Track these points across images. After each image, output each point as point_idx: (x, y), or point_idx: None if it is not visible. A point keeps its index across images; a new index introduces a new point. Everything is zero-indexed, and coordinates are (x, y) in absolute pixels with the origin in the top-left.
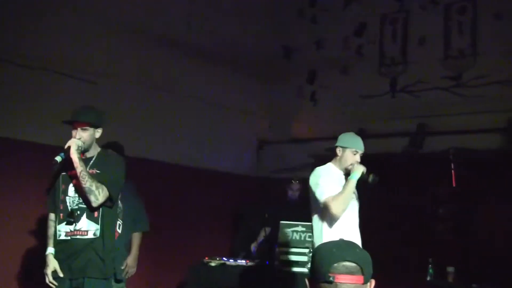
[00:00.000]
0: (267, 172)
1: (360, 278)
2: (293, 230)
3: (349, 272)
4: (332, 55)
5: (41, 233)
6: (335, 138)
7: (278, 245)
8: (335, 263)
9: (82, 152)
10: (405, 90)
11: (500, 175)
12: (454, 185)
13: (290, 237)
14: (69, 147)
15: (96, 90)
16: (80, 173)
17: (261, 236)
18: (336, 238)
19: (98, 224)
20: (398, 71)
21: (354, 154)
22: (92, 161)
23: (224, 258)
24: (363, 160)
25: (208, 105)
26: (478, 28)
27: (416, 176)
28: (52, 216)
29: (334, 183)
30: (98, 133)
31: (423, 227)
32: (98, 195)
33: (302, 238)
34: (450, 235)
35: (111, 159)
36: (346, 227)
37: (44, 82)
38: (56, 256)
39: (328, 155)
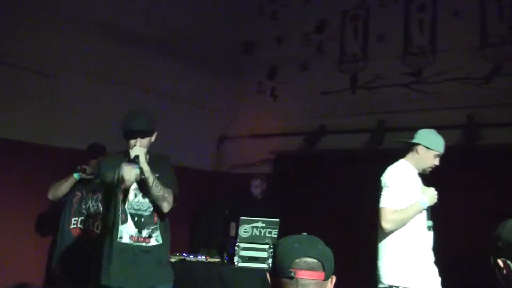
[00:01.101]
0: (227, 167)
1: (321, 275)
2: (253, 226)
3: (310, 268)
4: (293, 51)
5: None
6: (296, 134)
7: (238, 241)
8: (297, 258)
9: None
10: (365, 87)
11: (460, 172)
12: None
13: (250, 233)
14: (135, 157)
15: (56, 84)
16: (153, 182)
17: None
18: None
19: (158, 230)
20: (358, 67)
21: (435, 157)
22: None
23: (184, 254)
24: None
25: (169, 100)
26: (437, 25)
27: (376, 173)
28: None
29: (408, 186)
30: (154, 136)
31: None
32: (171, 201)
33: (262, 234)
34: None
35: (162, 160)
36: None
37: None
38: (116, 257)
39: (291, 152)
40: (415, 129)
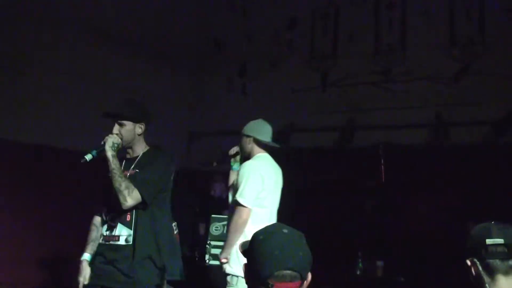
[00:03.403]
0: (197, 164)
1: (297, 284)
2: (224, 224)
3: (289, 280)
4: (263, 48)
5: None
6: None
7: (209, 239)
8: (276, 271)
9: (125, 149)
10: (336, 85)
11: (428, 170)
12: (383, 179)
13: (221, 231)
14: (104, 144)
15: (24, 80)
16: (111, 171)
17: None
18: None
19: (130, 229)
20: (328, 65)
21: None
22: (136, 161)
23: None
24: None
25: (137, 97)
26: (406, 23)
27: (346, 170)
28: (97, 219)
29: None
30: (140, 129)
31: (352, 221)
32: (127, 195)
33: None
34: (379, 229)
35: (152, 157)
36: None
37: None
38: (94, 260)
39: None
40: (384, 127)
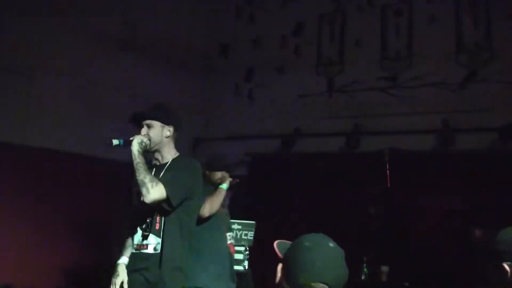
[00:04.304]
0: (202, 169)
1: None
2: (234, 228)
3: None
4: (270, 54)
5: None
6: (272, 137)
7: None
8: (313, 282)
9: (152, 152)
10: (342, 90)
11: (434, 176)
12: (388, 185)
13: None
14: (132, 139)
15: (31, 83)
16: (136, 165)
17: None
18: None
19: (159, 237)
20: (335, 71)
21: None
22: (165, 168)
23: None
24: None
25: (144, 101)
26: (414, 30)
27: (352, 176)
28: (127, 224)
29: None
30: (169, 132)
31: (358, 227)
32: (151, 188)
33: (238, 236)
34: (384, 235)
35: (181, 163)
36: None
37: None
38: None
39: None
40: (390, 134)
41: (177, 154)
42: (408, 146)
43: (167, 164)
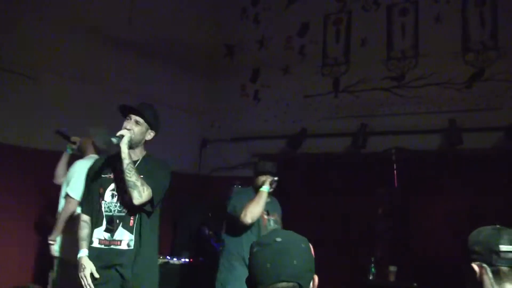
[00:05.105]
0: (209, 170)
1: None
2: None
3: None
4: (275, 54)
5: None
6: (278, 137)
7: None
8: (270, 284)
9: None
10: (348, 90)
11: (441, 175)
12: (396, 185)
13: None
14: (122, 136)
15: (37, 86)
16: (127, 165)
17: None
18: None
19: (132, 233)
20: (340, 71)
21: None
22: (136, 165)
23: (167, 257)
24: None
25: (151, 102)
26: (419, 30)
27: (358, 176)
28: (85, 217)
29: None
30: (150, 135)
31: (366, 227)
32: (142, 192)
33: None
34: (392, 235)
35: (157, 163)
36: None
37: None
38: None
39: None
40: (397, 133)
41: (144, 152)
42: (414, 146)
43: (138, 162)
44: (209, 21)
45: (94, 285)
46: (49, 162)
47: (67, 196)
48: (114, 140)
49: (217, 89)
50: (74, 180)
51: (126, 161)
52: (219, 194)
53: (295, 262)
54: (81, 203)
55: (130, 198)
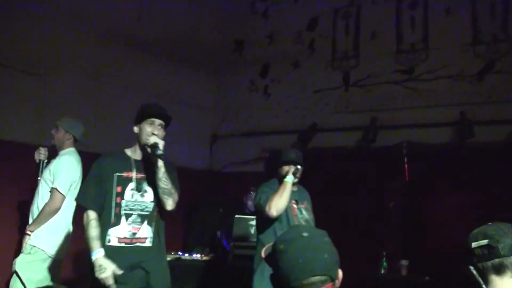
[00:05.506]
0: (220, 166)
1: (329, 286)
2: (248, 224)
3: (320, 285)
4: (285, 49)
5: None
6: (288, 132)
7: (233, 240)
8: (304, 280)
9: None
10: (358, 84)
11: (452, 169)
12: (407, 178)
13: (244, 232)
14: (156, 144)
15: (47, 84)
16: (163, 174)
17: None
18: None
19: (153, 231)
20: (350, 65)
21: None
22: (138, 164)
23: (179, 253)
24: None
25: (160, 99)
26: (429, 22)
27: (369, 170)
28: (94, 215)
29: None
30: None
31: (377, 221)
32: (176, 198)
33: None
34: (404, 229)
35: (167, 166)
36: None
37: None
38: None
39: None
40: (408, 127)
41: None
42: (425, 139)
43: (140, 161)
44: (218, 17)
45: (121, 284)
46: None
47: (54, 190)
48: (159, 152)
49: (227, 85)
50: (63, 176)
51: (162, 169)
52: (230, 190)
53: (326, 255)
54: (82, 200)
55: (163, 204)
